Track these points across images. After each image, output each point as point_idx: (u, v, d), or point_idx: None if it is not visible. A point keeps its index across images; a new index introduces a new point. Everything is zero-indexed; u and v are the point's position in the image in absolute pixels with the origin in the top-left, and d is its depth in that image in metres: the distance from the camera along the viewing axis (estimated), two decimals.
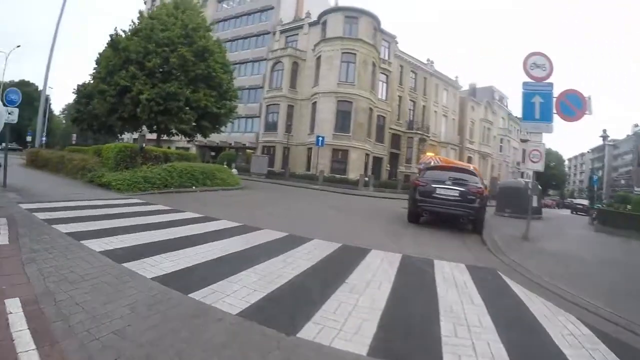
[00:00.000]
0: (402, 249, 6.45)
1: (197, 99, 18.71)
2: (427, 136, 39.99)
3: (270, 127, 37.02)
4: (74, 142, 37.94)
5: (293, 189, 22.54)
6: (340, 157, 31.33)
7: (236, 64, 41.64)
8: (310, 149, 32.46)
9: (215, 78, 19.80)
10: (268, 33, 40.79)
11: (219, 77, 19.98)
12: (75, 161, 14.46)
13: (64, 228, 5.50)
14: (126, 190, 11.27)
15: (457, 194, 9.22)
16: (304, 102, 35.40)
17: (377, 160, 35.48)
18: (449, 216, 9.74)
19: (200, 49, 19.03)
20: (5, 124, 10.12)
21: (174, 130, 20.24)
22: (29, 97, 39.39)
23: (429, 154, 27.86)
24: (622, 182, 72.97)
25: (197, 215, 8.02)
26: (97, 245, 4.74)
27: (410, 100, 40.69)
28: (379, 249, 6.15)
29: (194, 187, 13.72)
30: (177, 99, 18.11)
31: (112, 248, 4.68)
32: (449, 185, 9.39)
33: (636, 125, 71.97)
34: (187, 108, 18.91)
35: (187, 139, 22.69)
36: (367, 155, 32.86)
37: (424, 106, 42.32)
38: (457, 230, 9.83)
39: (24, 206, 7.12)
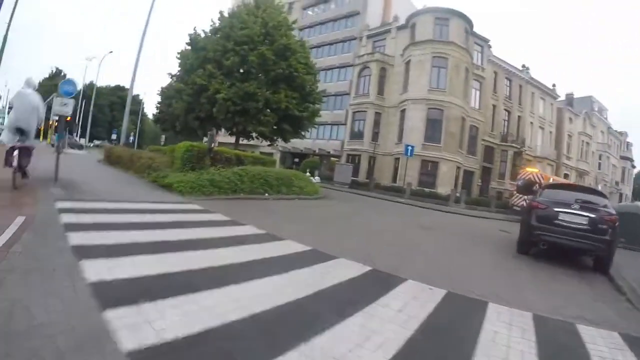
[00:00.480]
0: (527, 300, 4.88)
1: (277, 100, 17.77)
2: (522, 149, 36.38)
3: (356, 135, 35.79)
4: (162, 143, 39.02)
5: (377, 201, 21.19)
6: (429, 169, 29.17)
7: (322, 70, 41.32)
8: (397, 159, 30.62)
9: (297, 78, 18.78)
10: (354, 39, 39.81)
11: (301, 78, 18.95)
12: (143, 159, 13.93)
13: (77, 238, 4.58)
14: (188, 193, 10.45)
15: (586, 222, 7.36)
16: (391, 109, 33.70)
17: (468, 174, 32.73)
18: (571, 250, 7.87)
19: (281, 47, 18.12)
20: (60, 116, 9.70)
21: (253, 134, 19.39)
22: (124, 100, 41.51)
23: (529, 169, 24.81)
24: None
25: (258, 231, 6.83)
26: (97, 269, 3.58)
27: (504, 109, 37.38)
28: (497, 301, 4.58)
29: (266, 195, 12.78)
30: (256, 100, 17.30)
31: (111, 278, 3.41)
32: (575, 209, 7.53)
33: None
34: (267, 110, 18.05)
35: (268, 142, 21.87)
36: (458, 168, 30.31)
37: (519, 117, 38.72)
38: (574, 266, 8.04)
39: (59, 204, 6.44)
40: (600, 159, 52.52)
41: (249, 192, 12.10)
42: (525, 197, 20.62)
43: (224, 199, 10.87)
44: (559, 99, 46.54)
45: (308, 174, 32.46)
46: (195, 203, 9.42)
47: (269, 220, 8.27)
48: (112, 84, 78.64)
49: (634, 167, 61.79)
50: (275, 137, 20.75)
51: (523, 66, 40.81)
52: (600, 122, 54.82)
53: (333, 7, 43.24)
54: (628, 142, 62.37)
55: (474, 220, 17.48)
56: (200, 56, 18.02)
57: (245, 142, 21.84)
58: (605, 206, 7.82)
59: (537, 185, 20.67)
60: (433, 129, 29.38)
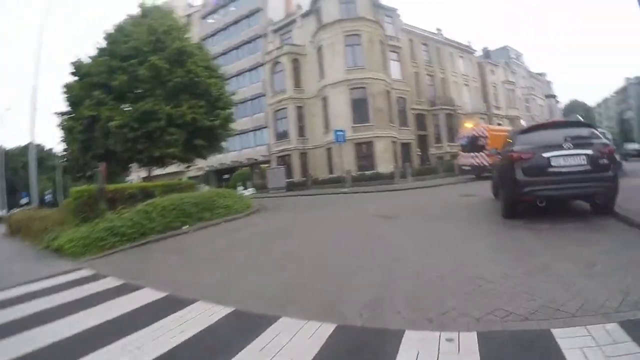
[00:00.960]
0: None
1: (181, 113, 15.40)
2: (453, 109, 36.19)
3: (281, 135, 33.89)
4: None
5: (319, 198, 19.14)
6: (365, 151, 28.01)
7: (233, 76, 39.19)
8: (329, 149, 29.20)
9: (199, 84, 16.50)
10: (260, 37, 37.88)
11: (204, 83, 16.69)
12: (36, 222, 11.57)
13: None
14: (81, 253, 8.02)
15: (585, 161, 6.04)
16: (312, 100, 32.18)
17: (405, 147, 32.05)
18: (574, 198, 6.70)
19: (175, 52, 15.84)
20: None
21: (169, 159, 17.23)
22: (40, 158, 37.86)
23: (468, 124, 24.30)
24: None
25: (157, 295, 4.60)
26: None
27: (427, 74, 37.11)
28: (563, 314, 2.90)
29: (184, 227, 10.34)
30: (157, 118, 14.86)
31: None
32: (569, 149, 6.12)
33: None
34: (172, 127, 15.45)
35: (186, 164, 19.49)
36: (394, 143, 29.42)
37: (442, 78, 38.70)
38: (575, 215, 6.86)
39: None
40: (527, 102, 54.26)
41: (162, 230, 9.82)
42: (474, 154, 20.17)
43: (128, 248, 8.52)
44: (477, 54, 47.32)
45: (240, 187, 30.57)
46: (87, 267, 6.92)
47: (180, 268, 6.15)
48: (24, 143, 71.82)
49: (558, 102, 64.42)
50: (191, 157, 18.62)
51: (437, 29, 40.92)
52: (519, 68, 56.64)
53: (233, 10, 41.14)
54: (548, 80, 65.05)
55: (430, 192, 15.94)
56: (86, 84, 15.41)
57: (171, 170, 19.50)
58: (596, 137, 6.64)
59: (482, 138, 20.18)
60: (359, 109, 28.25)
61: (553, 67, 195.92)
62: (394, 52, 33.41)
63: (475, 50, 46.61)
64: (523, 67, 58.75)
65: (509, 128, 28.37)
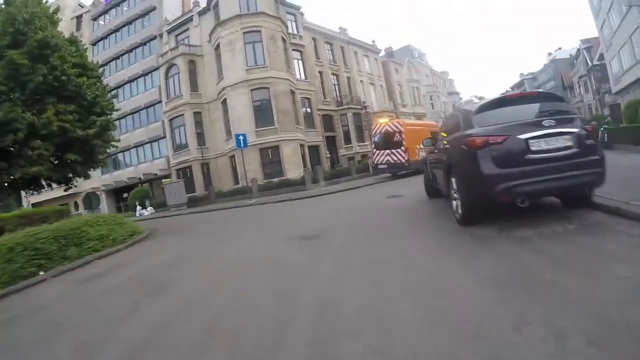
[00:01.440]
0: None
1: (45, 121, 12.64)
2: (360, 109, 36.00)
3: (180, 145, 31.02)
4: None
5: (222, 213, 16.89)
6: (271, 157, 26.34)
7: (126, 83, 35.90)
8: (232, 157, 27.12)
9: (68, 85, 13.73)
10: (155, 38, 34.56)
11: (74, 83, 13.94)
12: None
13: None
14: None
15: (572, 142, 4.70)
16: (212, 104, 29.95)
17: (314, 149, 31.04)
18: (560, 191, 5.13)
19: (35, 45, 12.93)
20: None
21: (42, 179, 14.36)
22: None
23: (381, 120, 23.42)
24: None
25: None
26: None
27: (332, 74, 36.55)
28: None
29: (41, 273, 7.59)
30: (13, 129, 12.11)
31: None
32: (550, 127, 4.70)
33: (550, 54, 75.22)
34: (36, 140, 12.70)
35: (65, 186, 16.42)
36: (301, 146, 28.17)
37: (348, 78, 38.43)
38: (547, 211, 5.60)
39: None
40: (431, 99, 56.49)
41: (8, 282, 7.18)
42: (390, 151, 19.41)
43: None
44: (381, 53, 48.11)
45: (139, 207, 27.54)
46: None
47: None
48: None
49: (461, 99, 68.23)
50: (64, 177, 15.60)
51: (340, 28, 40.63)
52: (422, 67, 58.92)
53: (126, 10, 37.20)
54: (451, 79, 68.63)
55: (348, 197, 14.32)
56: None
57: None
58: (573, 112, 5.44)
59: (398, 134, 19.38)
60: (263, 111, 26.59)
61: (454, 65, 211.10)
62: (297, 50, 32.35)
63: (380, 50, 47.40)
64: (426, 65, 61.25)
65: (426, 122, 28.29)
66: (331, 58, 37.33)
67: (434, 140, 7.80)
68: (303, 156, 27.98)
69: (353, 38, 41.54)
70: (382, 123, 21.10)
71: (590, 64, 45.38)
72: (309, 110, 32.02)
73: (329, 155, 32.77)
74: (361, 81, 40.64)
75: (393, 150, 19.30)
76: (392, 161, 19.39)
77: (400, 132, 19.35)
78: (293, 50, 31.55)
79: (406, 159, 18.73)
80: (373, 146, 21.86)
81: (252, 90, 26.55)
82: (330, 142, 33.96)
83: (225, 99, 27.66)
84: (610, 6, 28.92)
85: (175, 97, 30.79)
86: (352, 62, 39.92)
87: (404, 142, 18.92)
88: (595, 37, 43.87)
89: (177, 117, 30.79)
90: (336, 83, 36.94)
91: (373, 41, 46.42)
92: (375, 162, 21.19)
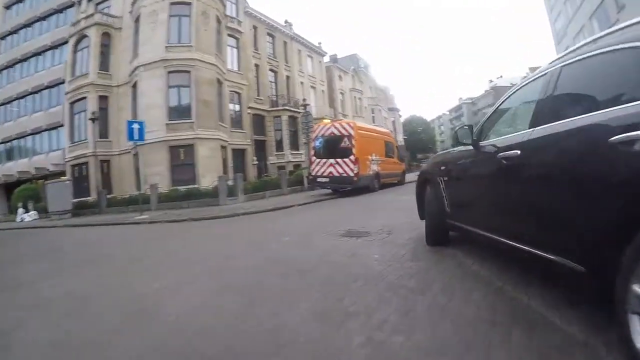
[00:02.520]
0: None
1: None
2: (297, 112, 32.21)
3: (78, 135, 25.20)
4: None
5: (95, 234, 11.54)
6: (184, 158, 21.55)
7: (32, 56, 30.43)
8: (137, 154, 21.77)
9: None
10: (72, 5, 28.31)
11: None
12: None
13: None
14: None
15: None
16: (122, 88, 24.68)
17: (239, 154, 26.77)
18: None
19: None
20: None
21: None
22: None
23: (326, 120, 18.89)
24: None
25: None
26: None
27: (270, 69, 32.59)
28: None
29: None
30: None
31: None
32: None
33: (491, 81, 78.17)
34: None
35: None
36: (223, 148, 23.74)
37: (287, 76, 34.69)
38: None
39: None
40: (373, 112, 54.50)
41: None
42: (335, 160, 15.17)
43: None
44: (326, 56, 45.19)
45: (21, 210, 21.27)
46: None
47: None
48: None
49: (400, 116, 67.39)
50: None
51: (286, 21, 36.89)
52: (367, 78, 56.94)
53: None
54: (392, 94, 67.66)
55: (270, 226, 8.81)
56: None
57: None
58: None
59: (346, 138, 15.07)
60: (179, 100, 21.95)
61: (394, 82, 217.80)
62: (233, 37, 28.09)
63: (325, 53, 44.47)
64: (370, 77, 59.40)
65: (381, 129, 22.44)
66: (271, 52, 33.41)
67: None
68: (224, 160, 23.63)
69: (298, 35, 38.05)
70: (327, 123, 16.79)
71: None
72: (237, 107, 27.74)
73: (257, 162, 28.50)
74: (302, 82, 37.18)
75: (339, 160, 15.06)
76: (337, 173, 15.19)
77: (350, 137, 15.13)
78: (228, 35, 27.29)
79: (356, 171, 14.73)
80: (312, 152, 16.87)
81: (169, 72, 21.83)
82: (260, 147, 29.75)
83: (136, 82, 22.56)
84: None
85: (80, 76, 25.05)
86: (294, 60, 36.32)
87: (354, 150, 14.86)
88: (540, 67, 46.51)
89: (79, 100, 25.00)
90: (274, 80, 33.01)
91: (319, 43, 43.38)
92: (313, 174, 16.37)
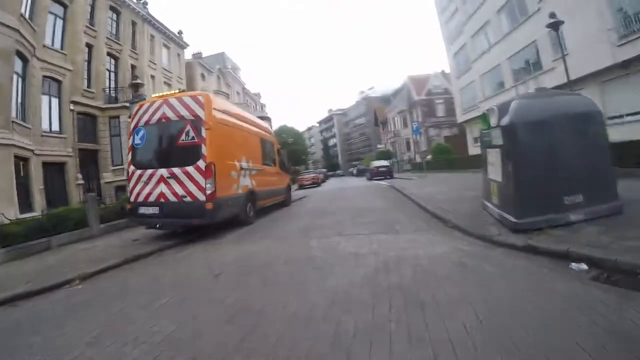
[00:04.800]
0: None
1: None
2: None
3: None
4: None
5: None
6: None
7: None
8: None
9: None
10: None
11: None
12: None
13: None
14: None
15: None
16: None
17: (54, 169, 19.12)
18: None
19: None
20: None
21: None
22: None
23: (155, 96, 9.91)
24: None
25: None
26: None
27: (109, 54, 25.14)
28: None
29: None
30: None
31: None
32: None
33: (362, 92, 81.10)
34: None
35: None
36: (24, 160, 16.25)
37: (133, 66, 27.59)
38: None
39: None
40: None
41: None
42: (169, 171, 8.75)
43: None
44: (188, 50, 39.13)
45: None
46: None
47: None
48: None
49: (271, 126, 63.48)
50: None
51: None
52: (235, 82, 52.11)
53: None
54: (263, 103, 63.57)
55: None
56: None
57: None
58: None
59: (191, 126, 8.82)
60: None
61: (266, 90, 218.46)
62: (57, 2, 20.43)
63: (187, 45, 38.20)
64: (239, 81, 54.49)
65: (257, 120, 14.54)
66: (113, 31, 26.13)
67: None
68: (26, 179, 16.17)
69: (154, 17, 31.29)
70: (155, 99, 9.62)
71: (415, 98, 51.01)
72: (54, 99, 19.97)
73: (82, 182, 20.89)
74: (152, 76, 30.39)
75: (177, 171, 8.78)
76: (174, 198, 8.69)
77: (197, 123, 8.85)
78: None
79: (210, 192, 8.57)
80: (129, 159, 9.80)
81: None
82: (88, 159, 22.16)
83: None
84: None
85: None
86: (144, 47, 29.44)
87: (204, 149, 8.70)
88: (422, 75, 52.26)
89: None
90: (113, 69, 25.61)
91: (180, 32, 36.92)
92: (132, 200, 9.31)
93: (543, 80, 21.39)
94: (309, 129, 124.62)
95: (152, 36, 31.28)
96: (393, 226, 7.77)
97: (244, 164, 10.67)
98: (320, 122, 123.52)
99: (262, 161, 12.56)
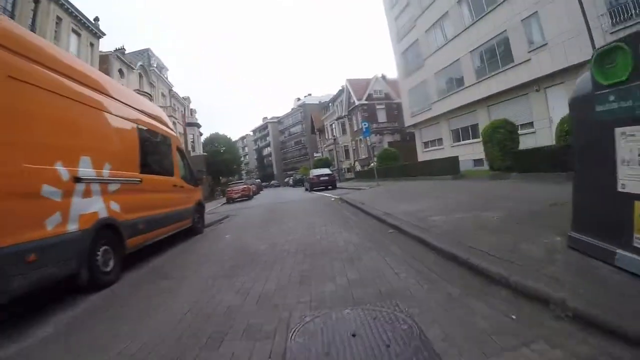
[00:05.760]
0: None
1: None
2: None
3: None
4: None
5: None
6: None
7: None
8: None
9: None
10: None
11: None
12: None
13: None
14: None
15: None
16: None
17: None
18: None
19: None
20: None
21: None
22: None
23: None
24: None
25: None
26: None
27: None
28: None
29: None
30: None
31: None
32: None
33: (298, 99, 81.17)
34: None
35: None
36: None
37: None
38: None
39: None
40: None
41: None
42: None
43: None
44: (104, 40, 35.32)
45: None
46: None
47: None
48: None
49: (201, 133, 60.01)
50: None
51: None
52: (161, 82, 48.42)
53: None
54: (193, 108, 59.94)
55: None
56: None
57: None
58: None
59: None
60: None
61: (196, 97, 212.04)
62: None
63: (103, 34, 34.29)
64: (166, 82, 50.63)
65: (145, 100, 11.23)
66: (9, 7, 22.30)
67: None
68: None
69: None
70: None
71: (356, 102, 50.31)
72: None
73: None
74: None
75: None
76: None
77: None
78: None
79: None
80: None
81: None
82: None
83: None
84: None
85: None
86: (46, 30, 25.61)
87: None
88: (362, 79, 50.93)
89: None
90: None
91: (97, 19, 33.17)
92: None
93: (515, 74, 20.51)
94: (243, 138, 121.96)
95: (60, 19, 27.53)
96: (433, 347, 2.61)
97: (87, 171, 5.75)
98: (254, 131, 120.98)
99: (139, 167, 7.70)
